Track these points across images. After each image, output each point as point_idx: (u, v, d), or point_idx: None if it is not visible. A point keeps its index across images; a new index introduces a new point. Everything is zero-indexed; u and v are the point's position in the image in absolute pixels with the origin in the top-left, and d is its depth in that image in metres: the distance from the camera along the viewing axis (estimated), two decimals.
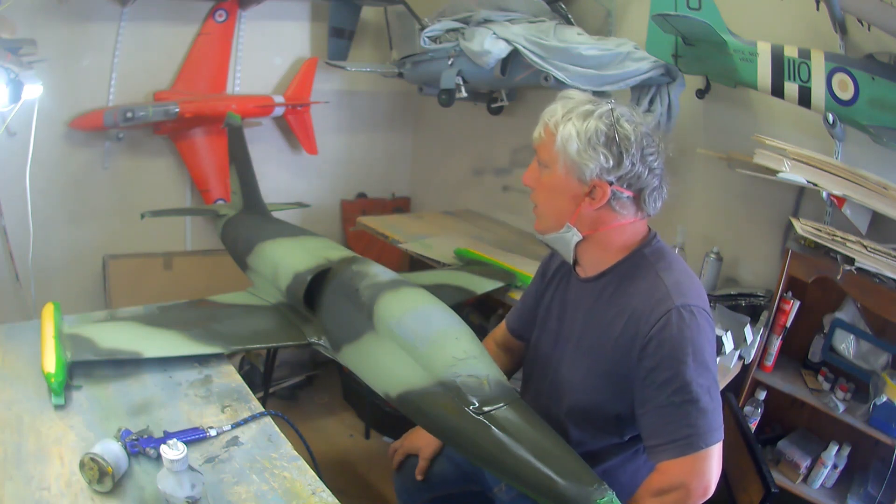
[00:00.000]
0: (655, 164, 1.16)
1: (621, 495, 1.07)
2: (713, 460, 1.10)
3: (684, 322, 1.10)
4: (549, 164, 1.19)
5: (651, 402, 1.12)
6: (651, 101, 2.15)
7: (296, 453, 1.22)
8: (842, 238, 1.81)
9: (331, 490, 1.13)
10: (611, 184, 1.15)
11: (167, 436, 1.17)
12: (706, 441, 1.09)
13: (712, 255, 2.18)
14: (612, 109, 1.15)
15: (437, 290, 1.56)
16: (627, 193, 1.16)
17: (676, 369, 1.09)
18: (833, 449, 1.97)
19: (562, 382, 1.30)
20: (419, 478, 1.50)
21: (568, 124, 1.15)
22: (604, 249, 1.23)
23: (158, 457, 1.11)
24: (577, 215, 1.19)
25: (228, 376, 1.45)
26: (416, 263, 2.54)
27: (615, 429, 1.27)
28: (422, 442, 1.51)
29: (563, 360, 1.30)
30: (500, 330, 1.58)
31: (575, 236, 1.22)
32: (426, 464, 1.50)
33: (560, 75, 2.11)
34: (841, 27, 1.85)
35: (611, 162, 1.13)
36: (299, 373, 2.96)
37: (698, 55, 2.03)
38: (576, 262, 1.29)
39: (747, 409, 2.09)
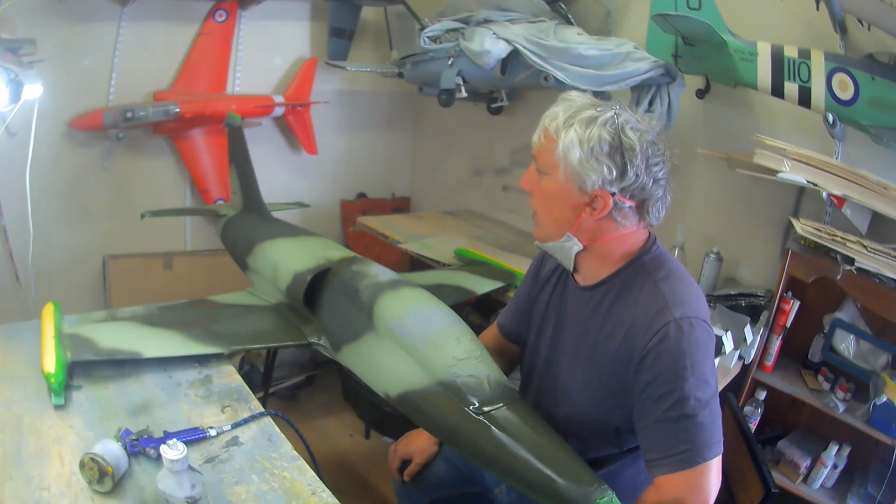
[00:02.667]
0: (661, 174, 1.12)
1: (621, 498, 1.07)
2: (711, 474, 1.08)
3: (682, 335, 1.07)
4: (548, 171, 1.15)
5: (648, 417, 1.10)
6: (651, 101, 2.15)
7: (296, 453, 1.22)
8: (842, 238, 1.81)
9: (331, 490, 1.13)
10: (613, 194, 1.11)
11: (167, 436, 1.17)
12: (704, 456, 1.06)
13: (712, 255, 2.18)
14: (616, 115, 1.09)
15: (437, 290, 1.56)
16: (630, 203, 1.13)
17: (674, 384, 1.06)
18: (833, 449, 1.97)
19: (560, 392, 1.28)
20: (406, 479, 1.50)
21: (570, 131, 1.09)
22: (603, 258, 1.19)
23: (158, 457, 1.11)
24: (577, 225, 1.15)
25: (228, 376, 1.45)
26: (416, 263, 2.54)
27: (614, 440, 1.26)
28: (416, 448, 1.51)
29: (562, 369, 1.28)
30: (491, 332, 1.54)
31: (575, 246, 1.18)
32: (417, 468, 1.49)
33: (560, 75, 2.12)
34: (841, 27, 1.86)
35: (614, 173, 1.09)
36: (299, 373, 2.96)
37: (698, 55, 2.03)
38: (574, 269, 1.25)
39: (747, 409, 2.09)
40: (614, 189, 1.10)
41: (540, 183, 1.17)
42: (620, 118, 1.09)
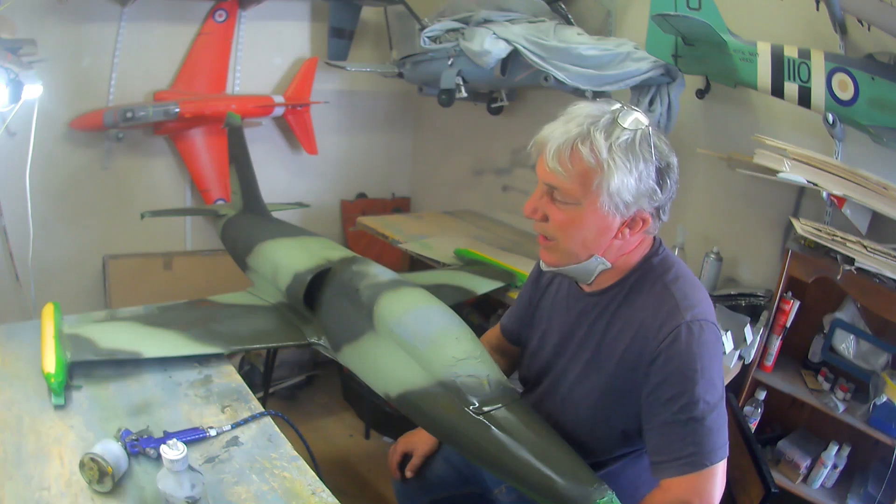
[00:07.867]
0: (677, 176, 1.10)
1: (622, 498, 1.07)
2: (717, 478, 1.08)
3: (693, 338, 1.07)
4: (578, 200, 1.07)
5: (656, 419, 1.10)
6: (651, 101, 2.15)
7: (296, 453, 1.22)
8: (842, 238, 1.81)
9: (331, 490, 1.13)
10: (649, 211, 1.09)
11: (167, 436, 1.17)
12: (710, 459, 1.06)
13: (712, 255, 2.18)
14: (648, 127, 1.05)
15: (437, 290, 1.56)
16: (652, 210, 1.11)
17: (684, 386, 1.06)
18: (833, 449, 1.97)
19: (564, 397, 1.27)
20: (409, 475, 1.49)
21: (618, 161, 1.02)
22: (619, 268, 1.17)
23: (158, 457, 1.11)
24: (609, 246, 1.12)
25: (228, 376, 1.45)
26: (416, 263, 2.54)
27: (620, 444, 1.25)
28: (416, 439, 1.51)
29: (566, 373, 1.27)
30: (494, 333, 1.54)
31: (601, 265, 1.14)
32: (420, 461, 1.49)
33: (560, 75, 2.12)
34: (841, 27, 1.85)
35: (660, 194, 1.07)
36: (299, 373, 2.96)
37: (698, 55, 2.03)
38: None
39: (747, 409, 2.09)
40: (654, 207, 1.09)
41: (564, 212, 1.10)
42: (650, 129, 1.05)
